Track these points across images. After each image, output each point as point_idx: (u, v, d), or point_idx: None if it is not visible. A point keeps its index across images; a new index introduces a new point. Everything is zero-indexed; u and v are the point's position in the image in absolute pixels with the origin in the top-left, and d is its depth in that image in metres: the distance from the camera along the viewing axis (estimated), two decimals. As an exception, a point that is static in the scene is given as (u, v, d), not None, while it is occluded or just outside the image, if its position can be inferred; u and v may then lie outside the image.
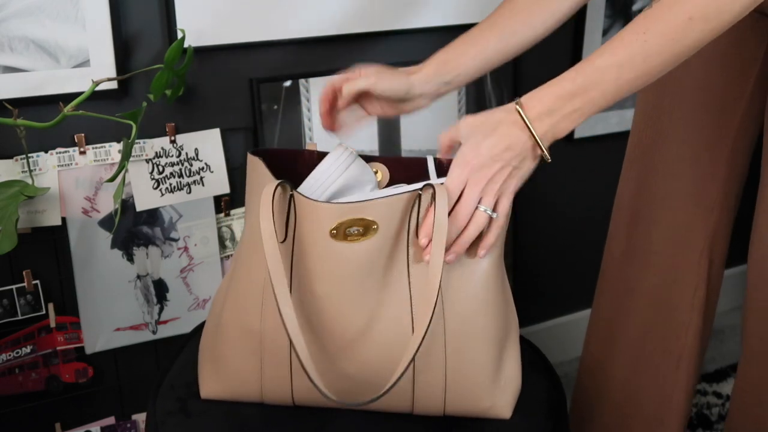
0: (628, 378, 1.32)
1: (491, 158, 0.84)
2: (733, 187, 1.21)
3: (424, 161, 0.98)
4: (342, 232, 0.84)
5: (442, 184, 0.86)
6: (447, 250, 0.85)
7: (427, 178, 0.97)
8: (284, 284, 0.83)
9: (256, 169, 0.92)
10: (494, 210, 0.86)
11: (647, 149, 1.21)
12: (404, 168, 1.00)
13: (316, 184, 0.93)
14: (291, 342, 0.83)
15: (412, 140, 1.48)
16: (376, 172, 1.00)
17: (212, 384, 0.95)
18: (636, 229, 1.25)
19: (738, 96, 1.13)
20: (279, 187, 0.86)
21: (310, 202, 0.86)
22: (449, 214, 0.84)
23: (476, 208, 0.85)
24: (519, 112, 0.83)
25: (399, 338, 0.87)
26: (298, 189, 0.91)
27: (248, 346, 0.91)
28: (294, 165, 0.98)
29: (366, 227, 0.85)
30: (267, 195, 0.84)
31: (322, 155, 0.96)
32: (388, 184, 1.00)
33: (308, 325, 0.88)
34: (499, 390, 0.92)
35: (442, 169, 1.00)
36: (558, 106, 0.83)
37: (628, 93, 0.83)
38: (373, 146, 1.46)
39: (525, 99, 0.84)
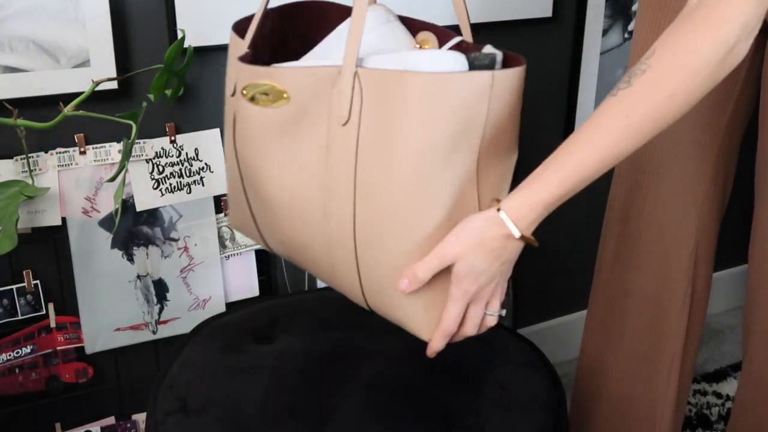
0: (623, 377, 1.32)
1: (490, 278, 0.83)
2: (720, 187, 1.22)
3: (452, 37, 0.91)
4: (255, 95, 0.84)
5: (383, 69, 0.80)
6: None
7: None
8: (230, 140, 0.91)
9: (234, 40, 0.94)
10: (496, 307, 0.86)
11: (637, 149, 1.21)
12: (455, 45, 0.91)
13: (333, 42, 0.89)
14: (245, 195, 0.93)
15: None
16: (420, 46, 0.92)
17: (232, 218, 1.02)
18: (627, 228, 1.25)
19: (727, 95, 1.14)
20: (241, 42, 0.90)
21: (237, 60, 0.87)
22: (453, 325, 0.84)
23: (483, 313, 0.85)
24: (509, 227, 0.80)
25: (311, 222, 0.87)
26: (319, 44, 0.91)
27: (232, 190, 0.98)
28: (335, 17, 0.96)
29: (276, 95, 0.83)
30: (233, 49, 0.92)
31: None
32: None
33: (248, 180, 0.92)
34: (421, 307, 0.85)
35: (468, 52, 0.89)
36: (547, 209, 0.81)
37: (607, 170, 0.81)
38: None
39: (513, 209, 0.80)
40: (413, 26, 0.94)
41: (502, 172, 0.86)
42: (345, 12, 0.97)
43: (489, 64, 0.82)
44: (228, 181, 0.99)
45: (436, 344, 0.86)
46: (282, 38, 0.98)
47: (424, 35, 0.93)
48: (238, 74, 0.86)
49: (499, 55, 0.83)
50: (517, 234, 0.80)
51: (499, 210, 0.80)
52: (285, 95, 0.82)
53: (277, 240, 0.94)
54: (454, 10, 0.94)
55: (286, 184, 0.87)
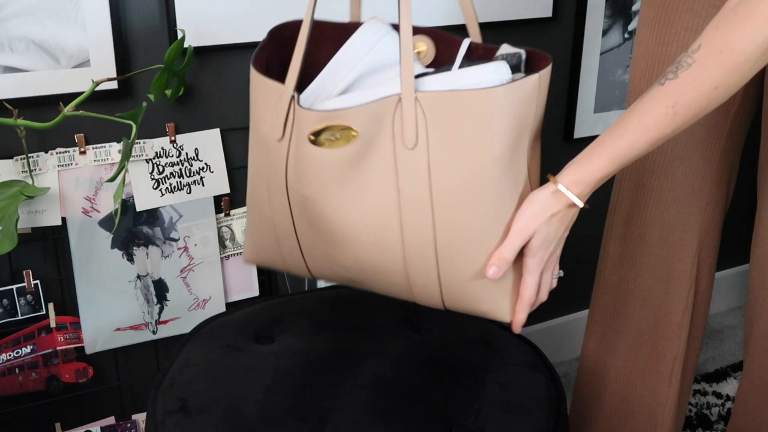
0: (624, 379, 1.32)
1: (558, 244, 0.92)
2: (723, 188, 1.22)
3: (460, 43, 0.95)
4: (321, 138, 0.85)
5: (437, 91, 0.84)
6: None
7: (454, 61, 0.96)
8: (281, 182, 0.91)
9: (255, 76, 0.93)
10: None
11: None
12: (449, 45, 0.96)
13: (341, 62, 0.92)
14: (296, 231, 0.92)
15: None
16: (418, 52, 0.96)
17: (249, 251, 1.05)
18: (630, 230, 1.25)
19: (732, 96, 1.14)
20: (279, 86, 0.88)
21: (296, 105, 0.87)
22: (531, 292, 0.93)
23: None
24: (572, 198, 0.89)
25: (386, 242, 0.89)
26: (326, 67, 0.92)
27: (267, 228, 0.99)
28: (336, 38, 0.97)
29: (346, 135, 0.84)
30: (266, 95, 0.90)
31: (357, 26, 0.95)
32: (433, 62, 0.97)
33: (304, 218, 0.92)
34: (500, 295, 0.93)
35: (478, 53, 0.97)
36: (599, 183, 0.91)
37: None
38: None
39: (571, 184, 0.89)
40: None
41: (538, 155, 0.95)
42: (323, 27, 1.00)
43: (518, 63, 0.90)
44: (257, 220, 1.00)
45: (520, 316, 0.94)
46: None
47: (415, 39, 0.97)
48: (299, 120, 0.87)
49: (523, 53, 0.90)
50: (580, 204, 0.89)
51: (557, 184, 0.89)
52: (354, 133, 0.84)
53: (339, 266, 0.94)
54: (462, 11, 0.98)
55: (356, 214, 0.88)
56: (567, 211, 0.90)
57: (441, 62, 0.98)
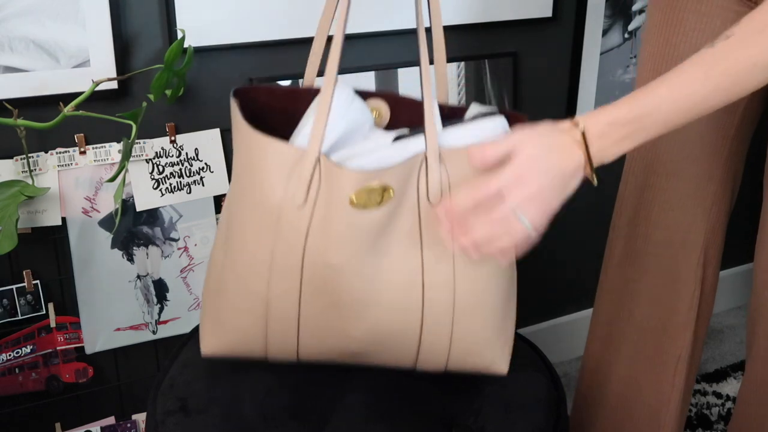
0: (627, 379, 1.32)
1: (545, 174, 0.82)
2: (729, 188, 1.22)
3: (418, 105, 0.94)
4: (363, 199, 0.83)
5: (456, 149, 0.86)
6: (475, 247, 0.83)
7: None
8: (296, 253, 0.85)
9: (238, 118, 0.87)
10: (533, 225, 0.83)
11: (647, 150, 1.21)
12: (406, 108, 0.97)
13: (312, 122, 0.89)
14: (300, 310, 0.87)
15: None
16: (376, 116, 0.97)
17: (213, 341, 0.94)
18: (636, 229, 1.25)
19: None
20: (294, 148, 0.84)
21: (331, 166, 0.83)
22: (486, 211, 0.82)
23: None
24: (579, 129, 0.82)
25: (409, 303, 0.89)
26: (295, 135, 0.87)
27: (253, 310, 0.89)
28: (289, 103, 0.95)
29: (386, 194, 0.84)
30: (280, 162, 0.83)
31: (311, 92, 0.94)
32: (389, 125, 0.97)
33: (318, 293, 0.87)
34: (499, 347, 0.95)
35: (443, 113, 0.95)
36: (610, 131, 0.82)
37: (679, 125, 0.83)
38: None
39: (581, 117, 0.83)
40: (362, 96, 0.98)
41: None
42: (275, 93, 0.98)
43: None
44: (236, 303, 0.90)
45: (461, 197, 0.82)
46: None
47: (376, 103, 0.99)
48: (334, 181, 0.83)
49: (496, 109, 0.95)
50: (578, 136, 0.81)
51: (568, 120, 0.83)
52: (392, 192, 0.84)
53: (347, 340, 0.91)
54: (435, 77, 1.01)
55: (382, 276, 0.88)
56: (568, 151, 0.82)
57: (397, 125, 0.98)
